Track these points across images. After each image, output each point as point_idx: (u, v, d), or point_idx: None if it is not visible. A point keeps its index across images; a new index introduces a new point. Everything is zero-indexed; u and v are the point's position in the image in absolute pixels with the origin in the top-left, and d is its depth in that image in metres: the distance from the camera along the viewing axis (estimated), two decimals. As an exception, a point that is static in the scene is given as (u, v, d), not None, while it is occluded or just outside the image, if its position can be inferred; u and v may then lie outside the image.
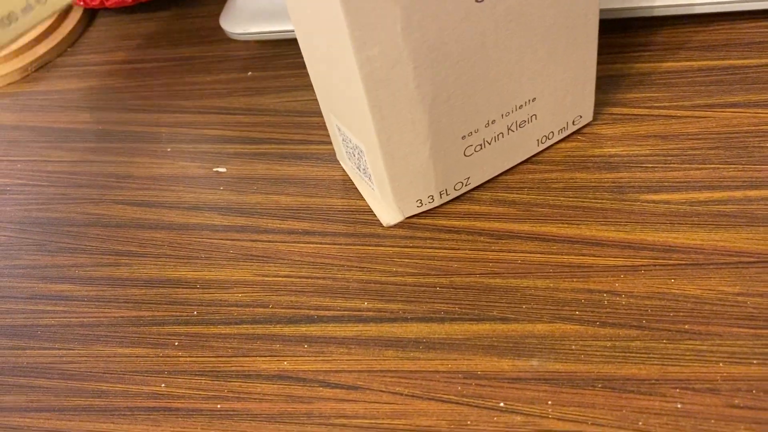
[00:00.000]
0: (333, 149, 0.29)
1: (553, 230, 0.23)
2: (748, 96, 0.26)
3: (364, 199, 0.26)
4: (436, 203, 0.25)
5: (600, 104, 0.27)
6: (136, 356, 0.24)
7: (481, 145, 0.23)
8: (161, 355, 0.23)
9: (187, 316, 0.24)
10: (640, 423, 0.18)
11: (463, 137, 0.23)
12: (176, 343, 0.23)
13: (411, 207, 0.24)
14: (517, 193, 0.25)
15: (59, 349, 0.24)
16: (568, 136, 0.26)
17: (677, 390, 0.19)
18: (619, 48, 0.29)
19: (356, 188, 0.27)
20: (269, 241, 0.26)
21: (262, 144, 0.30)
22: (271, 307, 0.24)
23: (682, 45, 0.29)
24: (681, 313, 0.20)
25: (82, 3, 0.40)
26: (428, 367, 0.21)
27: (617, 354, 0.20)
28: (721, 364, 0.19)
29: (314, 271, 0.24)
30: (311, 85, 0.32)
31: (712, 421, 0.18)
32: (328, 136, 0.29)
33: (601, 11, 0.28)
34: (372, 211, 0.26)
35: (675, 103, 0.26)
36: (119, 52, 0.38)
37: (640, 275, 0.22)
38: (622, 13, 0.28)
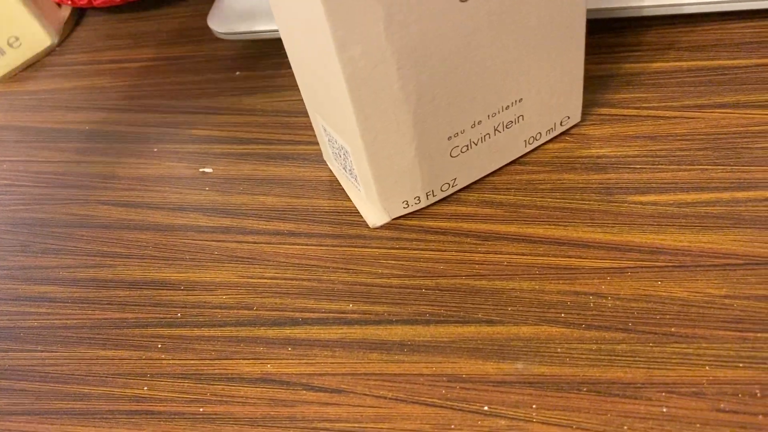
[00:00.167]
0: (320, 150, 0.28)
1: (540, 232, 0.23)
2: (737, 97, 0.26)
3: (351, 200, 0.26)
4: (423, 204, 0.24)
5: (588, 105, 0.27)
6: (119, 359, 0.23)
7: (467, 146, 0.23)
8: (144, 357, 0.23)
9: (171, 318, 0.24)
10: (625, 427, 0.18)
11: (449, 138, 0.23)
12: (159, 346, 0.23)
13: (397, 208, 0.24)
14: (504, 195, 0.25)
15: (41, 351, 0.24)
16: (556, 137, 0.26)
17: (663, 394, 0.19)
18: (608, 48, 0.29)
19: (343, 189, 0.26)
20: (254, 243, 0.26)
21: (249, 144, 0.30)
22: (256, 309, 0.23)
23: (671, 45, 0.29)
24: (667, 316, 0.20)
25: (70, 2, 0.39)
26: (412, 370, 0.21)
27: (603, 357, 0.20)
28: (707, 368, 0.19)
29: (299, 273, 0.24)
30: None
31: (698, 425, 0.18)
32: (315, 136, 0.29)
33: (589, 11, 0.28)
34: (358, 212, 0.25)
35: (664, 104, 0.26)
36: (107, 52, 0.38)
37: (626, 277, 0.21)
38: (611, 12, 0.28)
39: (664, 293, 0.21)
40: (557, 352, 0.20)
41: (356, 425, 0.20)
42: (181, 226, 0.27)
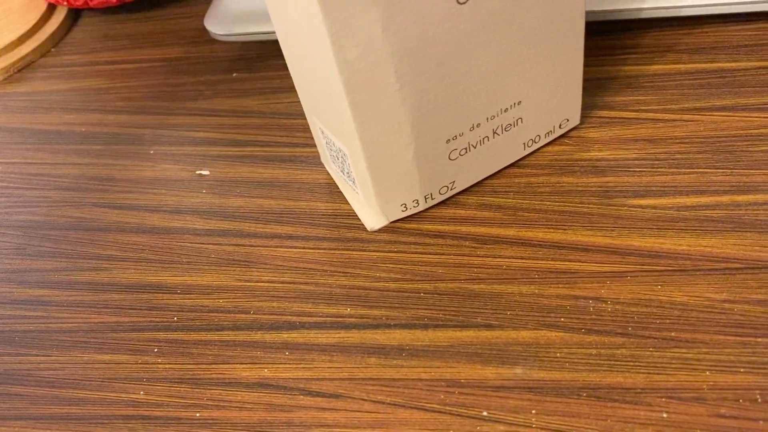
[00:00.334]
0: (317, 152, 0.28)
1: (539, 235, 0.23)
2: (736, 99, 0.26)
3: (349, 203, 0.26)
4: (421, 207, 0.24)
5: (587, 107, 0.27)
6: (115, 363, 0.23)
7: (466, 148, 0.23)
8: (140, 361, 0.23)
9: (167, 322, 0.24)
10: (625, 432, 0.18)
11: (448, 141, 0.22)
12: (156, 350, 0.23)
13: (395, 211, 0.24)
14: (503, 198, 0.24)
15: (36, 355, 0.24)
16: (555, 140, 0.26)
17: (663, 399, 0.19)
18: (607, 50, 0.29)
19: (341, 192, 0.26)
20: (251, 246, 0.25)
21: (246, 146, 0.30)
22: (253, 313, 0.23)
23: (670, 48, 0.28)
24: (667, 321, 0.20)
25: (66, 3, 0.39)
26: (411, 375, 0.21)
27: (602, 362, 0.20)
28: (707, 373, 0.19)
29: (297, 277, 0.24)
30: (297, 87, 0.32)
31: (698, 431, 0.18)
32: (313, 139, 0.29)
33: (588, 13, 0.28)
34: (356, 216, 0.25)
35: (663, 107, 0.26)
36: (103, 53, 0.38)
37: (626, 281, 0.21)
38: (610, 15, 0.28)
39: (664, 297, 0.21)
40: (557, 357, 0.20)
41: (354, 430, 0.20)
42: (177, 229, 0.27)
